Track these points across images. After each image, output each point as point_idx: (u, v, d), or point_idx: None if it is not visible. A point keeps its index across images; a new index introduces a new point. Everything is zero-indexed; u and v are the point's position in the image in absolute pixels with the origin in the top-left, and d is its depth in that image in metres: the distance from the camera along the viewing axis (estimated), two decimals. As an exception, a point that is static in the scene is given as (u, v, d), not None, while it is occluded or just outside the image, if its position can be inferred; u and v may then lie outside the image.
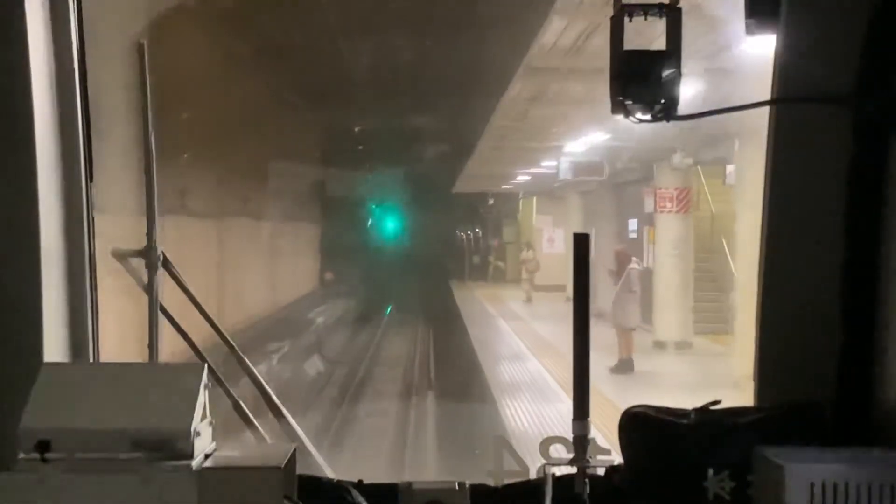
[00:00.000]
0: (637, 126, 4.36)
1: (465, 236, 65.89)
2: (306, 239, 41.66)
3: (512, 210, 57.07)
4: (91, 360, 3.51)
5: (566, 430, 2.84)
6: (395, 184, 50.95)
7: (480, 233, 63.60)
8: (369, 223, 55.99)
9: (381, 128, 35.93)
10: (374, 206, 54.93)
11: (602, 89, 3.13)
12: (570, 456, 2.85)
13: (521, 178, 44.08)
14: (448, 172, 46.42)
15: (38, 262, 3.27)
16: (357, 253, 46.52)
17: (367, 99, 28.65)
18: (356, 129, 37.39)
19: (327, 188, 42.62)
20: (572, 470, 2.87)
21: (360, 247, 49.42)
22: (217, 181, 23.31)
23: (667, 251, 26.11)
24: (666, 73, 2.87)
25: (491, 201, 58.84)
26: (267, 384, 4.30)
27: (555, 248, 43.61)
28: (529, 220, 50.01)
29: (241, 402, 4.06)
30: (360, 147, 40.11)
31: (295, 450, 2.75)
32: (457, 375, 22.08)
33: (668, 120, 2.91)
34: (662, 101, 2.89)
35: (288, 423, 4.25)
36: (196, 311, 4.10)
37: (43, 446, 2.50)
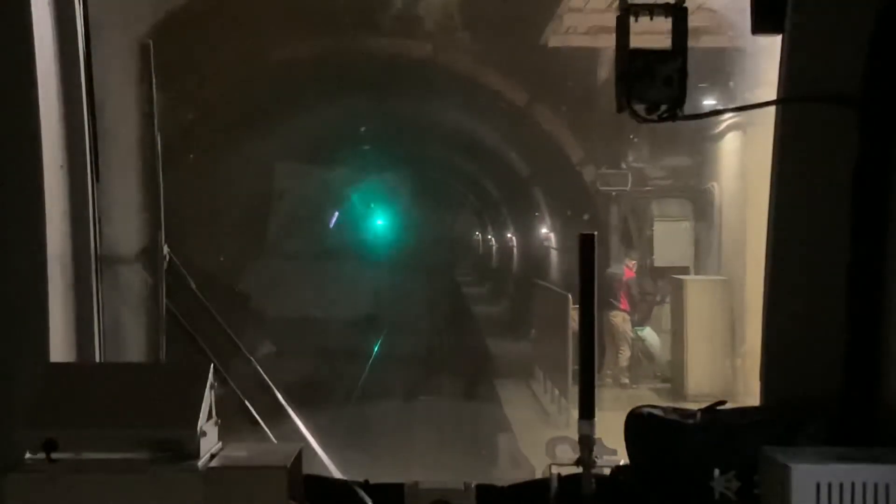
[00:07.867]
0: None
1: (526, 243, 22.61)
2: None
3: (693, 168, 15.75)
4: (97, 360, 3.51)
5: None
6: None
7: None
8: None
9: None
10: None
11: None
12: (576, 456, 2.86)
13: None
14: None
15: (44, 262, 3.27)
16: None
17: None
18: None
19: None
20: (578, 470, 2.87)
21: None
22: None
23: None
24: (672, 72, 2.87)
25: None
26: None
27: None
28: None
29: (248, 402, 4.06)
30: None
31: (301, 450, 2.75)
32: None
33: (673, 120, 2.91)
34: (668, 100, 2.89)
35: (294, 424, 4.26)
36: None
37: (50, 446, 2.50)
